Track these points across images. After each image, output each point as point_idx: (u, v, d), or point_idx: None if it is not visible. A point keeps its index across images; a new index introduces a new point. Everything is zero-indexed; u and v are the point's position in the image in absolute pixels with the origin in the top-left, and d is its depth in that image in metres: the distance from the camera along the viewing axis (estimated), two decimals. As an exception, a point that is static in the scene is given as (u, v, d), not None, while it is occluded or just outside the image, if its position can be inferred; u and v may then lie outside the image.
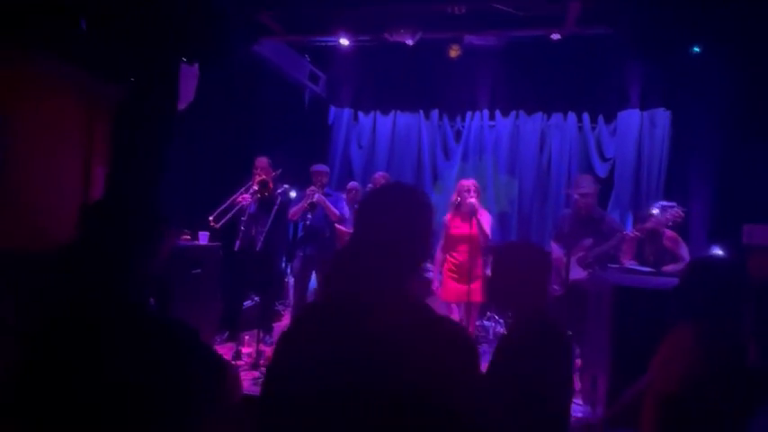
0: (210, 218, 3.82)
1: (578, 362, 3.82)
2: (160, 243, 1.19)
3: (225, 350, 4.11)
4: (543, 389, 1.44)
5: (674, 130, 5.26)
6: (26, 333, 1.09)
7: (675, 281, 1.86)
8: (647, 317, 2.39)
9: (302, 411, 0.94)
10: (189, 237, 3.89)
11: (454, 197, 3.81)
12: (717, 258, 2.50)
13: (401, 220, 1.04)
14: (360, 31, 3.99)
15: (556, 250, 3.64)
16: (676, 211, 3.00)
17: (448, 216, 3.96)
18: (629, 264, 3.43)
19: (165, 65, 3.17)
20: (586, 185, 3.57)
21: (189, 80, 3.61)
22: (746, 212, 2.88)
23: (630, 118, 5.48)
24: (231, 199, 3.99)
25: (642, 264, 3.20)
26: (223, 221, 3.85)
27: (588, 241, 3.51)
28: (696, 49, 3.15)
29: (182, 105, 3.55)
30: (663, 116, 5.35)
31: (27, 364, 1.05)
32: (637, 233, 3.33)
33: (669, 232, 3.20)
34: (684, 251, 3.24)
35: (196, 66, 3.62)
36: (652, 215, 3.21)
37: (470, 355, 0.96)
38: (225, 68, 4.02)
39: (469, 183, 3.79)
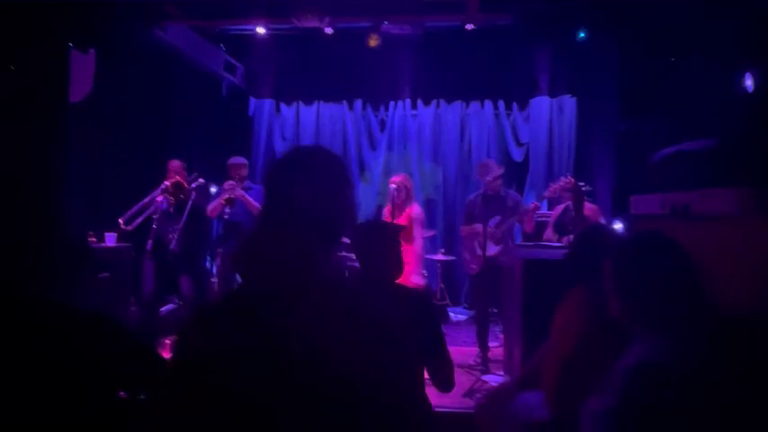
0: (120, 220, 3.57)
1: (501, 336, 4.04)
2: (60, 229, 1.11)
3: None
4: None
5: (580, 115, 5.65)
6: None
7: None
8: (552, 286, 2.56)
9: (216, 411, 0.85)
10: (94, 239, 3.62)
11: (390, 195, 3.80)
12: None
13: (314, 186, 0.92)
14: (268, 15, 3.88)
15: (470, 230, 3.80)
16: (565, 179, 3.23)
17: (386, 210, 3.99)
18: (549, 236, 3.65)
19: (53, 51, 2.90)
20: (497, 169, 3.77)
21: (83, 69, 3.33)
22: (639, 186, 3.16)
23: (541, 104, 5.80)
24: (143, 202, 3.74)
25: (565, 234, 3.44)
26: (135, 224, 3.62)
27: (497, 218, 3.71)
28: (581, 35, 3.38)
29: (76, 97, 3.27)
30: (569, 102, 5.73)
31: None
32: (535, 204, 3.61)
33: (589, 204, 3.44)
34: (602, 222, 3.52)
35: (92, 54, 3.35)
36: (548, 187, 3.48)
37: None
38: (127, 57, 3.75)
39: (398, 180, 3.83)
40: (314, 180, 0.94)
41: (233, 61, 5.51)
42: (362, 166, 6.21)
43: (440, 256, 5.44)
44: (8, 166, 2.72)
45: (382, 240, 1.82)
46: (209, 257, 5.25)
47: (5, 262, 1.03)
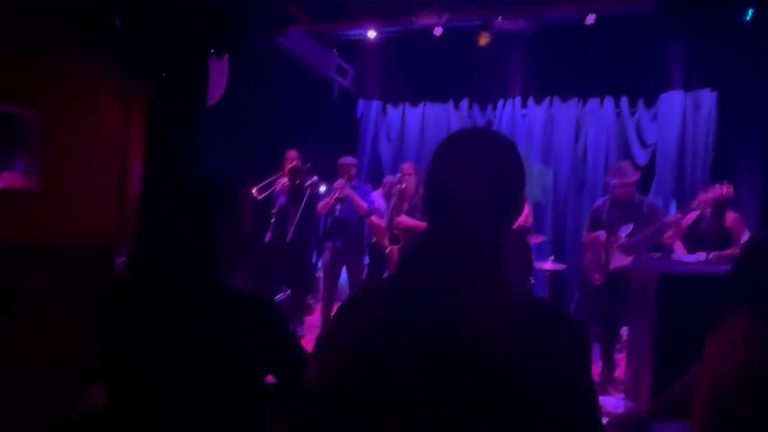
0: (254, 190, 3.97)
1: (622, 355, 3.67)
2: (239, 212, 1.16)
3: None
4: None
5: (721, 112, 4.95)
6: (108, 311, 1.10)
7: (727, 267, 1.72)
8: (695, 306, 2.24)
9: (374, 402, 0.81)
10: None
11: None
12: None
13: (490, 173, 0.82)
14: (386, 16, 3.93)
15: (593, 238, 3.49)
16: (719, 188, 2.79)
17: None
18: (678, 250, 3.25)
19: (196, 59, 3.21)
20: (630, 174, 3.39)
21: (219, 75, 3.64)
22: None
23: (673, 101, 5.19)
24: (270, 179, 4.12)
25: (699, 247, 3.02)
26: (264, 195, 4.01)
27: (628, 227, 3.34)
28: (749, 14, 2.89)
29: (212, 100, 3.60)
30: (708, 97, 5.05)
31: (109, 338, 1.08)
32: (680, 216, 3.15)
33: (732, 213, 3.00)
34: (746, 236, 3.04)
35: (225, 61, 3.65)
36: (696, 197, 3.03)
37: (582, 349, 0.80)
38: (253, 62, 4.05)
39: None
40: (486, 162, 0.84)
41: (344, 65, 5.71)
42: (467, 168, 6.06)
43: (549, 265, 5.12)
44: (161, 163, 3.07)
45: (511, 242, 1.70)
46: (314, 251, 5.50)
47: (183, 249, 1.09)
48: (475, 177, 0.82)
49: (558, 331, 0.79)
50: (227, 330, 1.04)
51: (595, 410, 0.80)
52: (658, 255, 3.12)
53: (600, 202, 3.62)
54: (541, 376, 0.75)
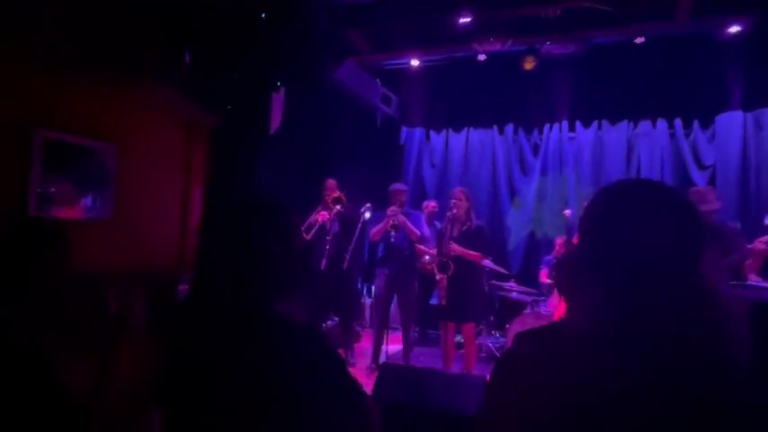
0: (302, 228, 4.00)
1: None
2: (291, 234, 1.13)
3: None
4: None
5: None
6: (166, 338, 1.09)
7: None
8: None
9: None
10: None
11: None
12: None
13: (665, 232, 0.77)
14: (449, 42, 3.97)
15: None
16: None
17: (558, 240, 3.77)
18: (753, 278, 3.07)
19: (260, 93, 3.31)
20: (712, 201, 3.21)
21: (277, 106, 3.75)
22: None
23: (731, 120, 5.01)
24: (312, 216, 4.15)
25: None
26: (312, 234, 4.00)
27: (712, 255, 3.15)
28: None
29: (271, 131, 3.69)
30: (771, 116, 4.85)
31: (166, 365, 1.06)
32: (765, 246, 2.95)
33: None
34: None
35: (282, 92, 3.76)
36: None
37: None
38: (307, 93, 4.15)
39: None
40: (668, 219, 0.79)
41: (389, 93, 5.79)
42: (513, 192, 5.98)
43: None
44: (222, 191, 3.14)
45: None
46: (360, 278, 5.48)
47: (236, 274, 1.05)
48: (658, 234, 0.77)
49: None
50: (280, 361, 1.00)
51: None
52: (739, 282, 2.93)
53: None
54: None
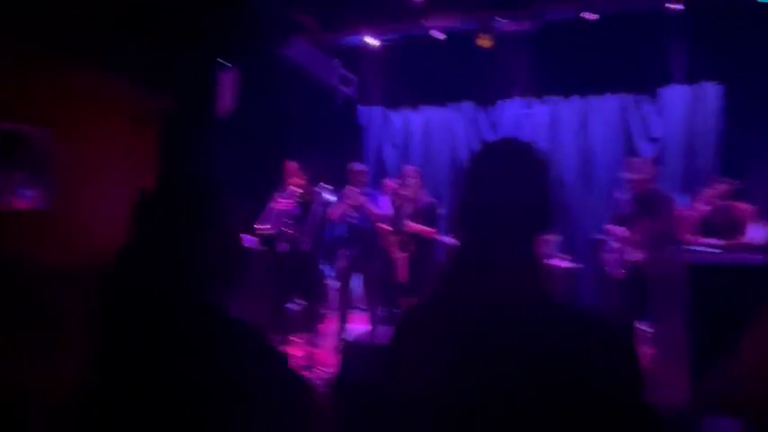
0: (257, 226, 3.90)
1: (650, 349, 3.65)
2: (223, 221, 1.06)
3: (276, 354, 4.13)
4: None
5: (728, 104, 4.97)
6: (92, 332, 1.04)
7: (753, 256, 1.71)
8: (725, 295, 2.23)
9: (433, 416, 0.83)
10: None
11: None
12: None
13: (525, 180, 0.87)
14: (394, 20, 3.93)
15: (615, 233, 3.49)
16: (726, 184, 2.87)
17: None
18: (692, 241, 3.26)
19: (205, 71, 3.20)
20: (646, 170, 3.40)
21: (227, 88, 3.63)
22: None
23: (676, 94, 5.21)
24: (270, 206, 4.06)
25: (711, 237, 3.05)
26: (270, 226, 3.91)
27: (645, 222, 3.35)
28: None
29: (222, 113, 3.58)
30: (713, 89, 5.07)
31: (98, 360, 1.01)
32: (694, 208, 3.19)
33: (743, 205, 3.02)
34: (757, 229, 3.05)
35: (234, 73, 3.64)
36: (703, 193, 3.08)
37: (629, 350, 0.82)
38: (259, 74, 4.04)
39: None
40: (520, 173, 0.88)
41: (347, 74, 5.72)
42: (473, 170, 6.06)
43: (565, 264, 5.10)
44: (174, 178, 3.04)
45: None
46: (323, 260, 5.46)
47: (165, 265, 1.00)
48: (510, 187, 0.86)
49: (604, 335, 0.81)
50: (210, 356, 0.95)
51: (649, 406, 0.81)
52: (678, 246, 3.12)
53: (620, 196, 3.62)
54: (595, 380, 0.77)
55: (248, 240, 3.89)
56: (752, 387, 1.58)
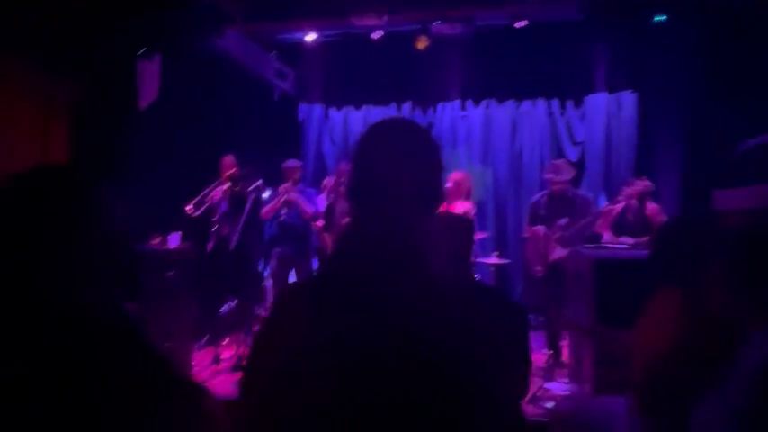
0: (188, 207, 3.77)
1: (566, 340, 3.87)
2: (90, 216, 0.95)
3: (204, 355, 4.00)
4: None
5: (641, 110, 5.38)
6: None
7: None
8: (627, 287, 2.41)
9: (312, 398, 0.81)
10: (159, 240, 3.75)
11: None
12: (689, 221, 2.53)
13: (410, 156, 0.87)
14: (325, 15, 3.92)
15: (533, 232, 3.68)
16: (641, 182, 3.11)
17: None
18: (607, 238, 3.49)
19: (123, 59, 3.03)
20: (566, 172, 3.61)
21: (151, 78, 3.47)
22: (715, 181, 2.96)
23: (598, 102, 5.57)
24: (206, 191, 3.95)
25: (625, 235, 3.30)
26: (201, 211, 3.82)
27: (564, 220, 3.55)
28: (658, 18, 3.19)
29: (143, 104, 3.41)
30: (629, 98, 5.46)
31: None
32: (610, 207, 3.42)
33: (651, 204, 3.28)
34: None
35: (157, 63, 3.49)
36: (622, 190, 3.32)
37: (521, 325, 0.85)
38: (189, 65, 3.89)
39: (454, 177, 3.80)
40: (408, 150, 0.89)
41: (284, 68, 5.63)
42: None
43: (493, 260, 5.29)
44: (86, 171, 2.85)
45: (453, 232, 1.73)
46: (261, 259, 5.35)
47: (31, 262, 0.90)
48: (399, 164, 0.87)
49: (497, 310, 0.84)
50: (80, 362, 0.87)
51: (526, 380, 0.84)
52: (592, 244, 3.33)
53: (537, 197, 3.81)
54: (481, 353, 0.80)
55: (173, 240, 3.73)
56: (635, 367, 1.72)
